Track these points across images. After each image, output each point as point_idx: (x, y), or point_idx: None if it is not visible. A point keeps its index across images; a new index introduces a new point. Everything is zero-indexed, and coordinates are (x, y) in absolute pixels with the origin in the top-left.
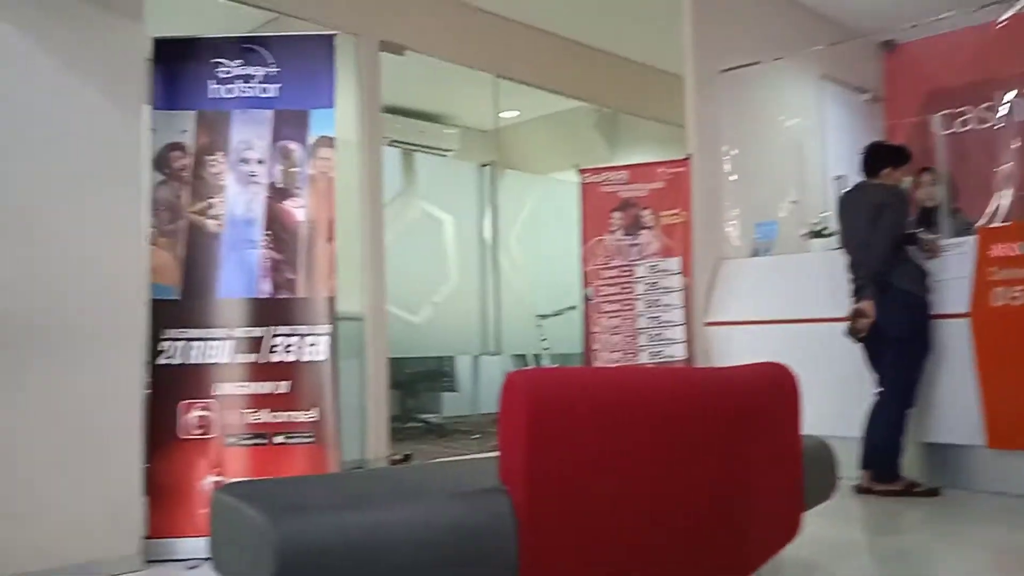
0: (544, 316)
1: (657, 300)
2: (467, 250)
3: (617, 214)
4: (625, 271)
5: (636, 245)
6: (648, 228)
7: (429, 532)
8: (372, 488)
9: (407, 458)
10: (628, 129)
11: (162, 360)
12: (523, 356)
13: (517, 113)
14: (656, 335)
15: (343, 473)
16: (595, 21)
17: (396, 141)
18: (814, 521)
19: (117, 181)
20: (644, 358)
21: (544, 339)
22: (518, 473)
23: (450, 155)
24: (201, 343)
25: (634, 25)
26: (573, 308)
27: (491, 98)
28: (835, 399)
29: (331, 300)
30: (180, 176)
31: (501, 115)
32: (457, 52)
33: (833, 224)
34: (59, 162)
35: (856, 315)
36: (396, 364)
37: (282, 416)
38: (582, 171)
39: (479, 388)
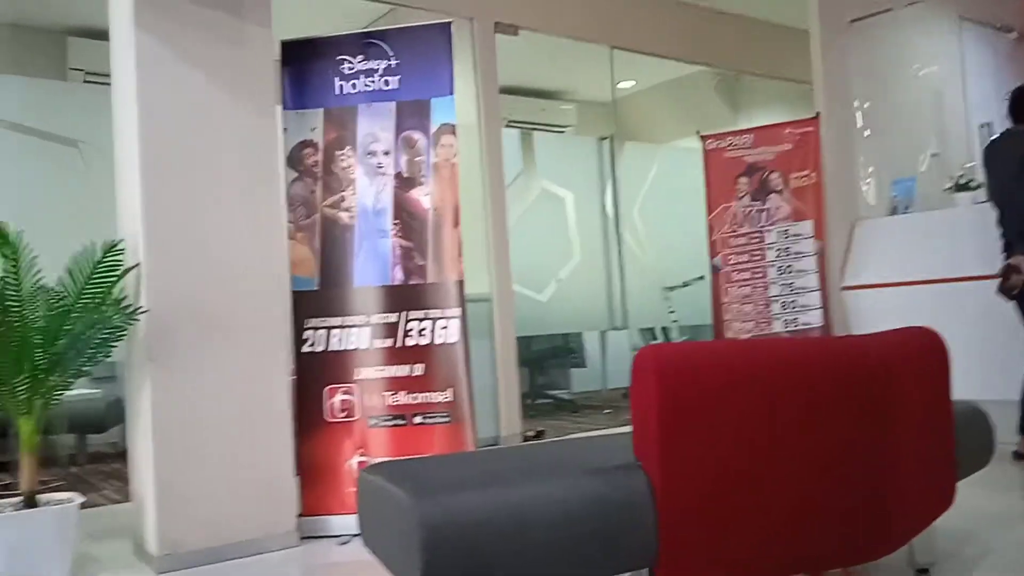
0: (671, 288)
1: (790, 266)
2: (590, 225)
3: (743, 179)
4: (754, 238)
5: (765, 210)
6: (777, 192)
7: (568, 509)
8: (510, 465)
9: (540, 434)
10: (751, 91)
11: (306, 348)
12: (651, 330)
13: (634, 83)
14: (790, 303)
15: (481, 451)
16: None
17: (513, 121)
18: (969, 490)
19: (259, 181)
20: (778, 327)
21: (672, 311)
22: (652, 449)
23: (568, 131)
24: (340, 331)
25: None
26: (701, 279)
27: (607, 70)
28: (988, 362)
29: (460, 283)
30: (312, 172)
31: (618, 86)
32: (571, 27)
33: (980, 175)
34: (209, 167)
35: (1008, 271)
36: (524, 342)
37: (419, 397)
38: (704, 137)
39: (607, 363)
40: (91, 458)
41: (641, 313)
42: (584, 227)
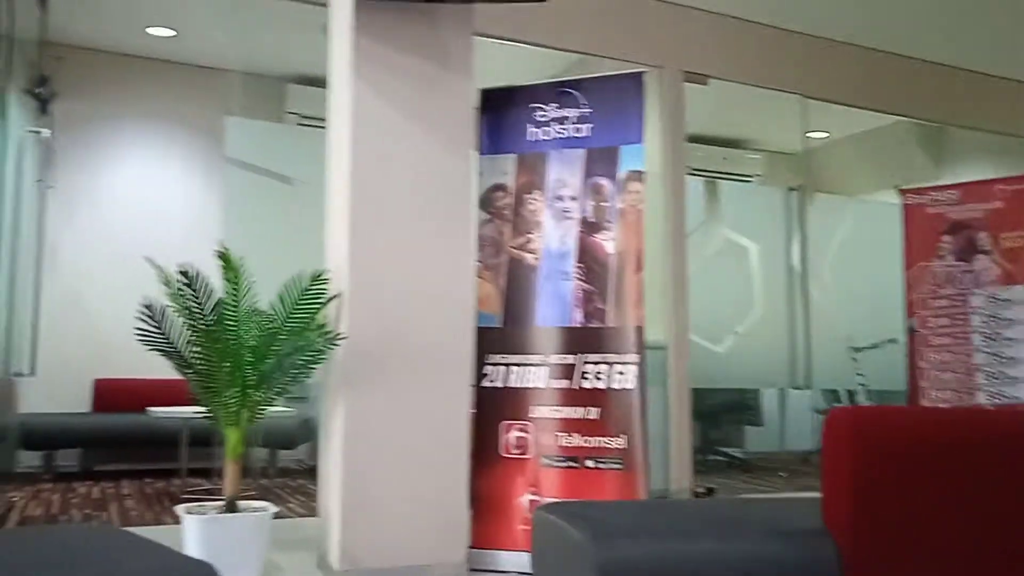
0: (859, 349)
1: (998, 334)
2: (774, 278)
3: (947, 237)
4: (957, 300)
5: (971, 272)
6: (985, 253)
7: (748, 570)
8: (688, 518)
9: (710, 492)
10: (956, 143)
11: (486, 383)
12: (835, 391)
13: (826, 134)
14: (997, 373)
15: (657, 501)
16: (913, 30)
17: (697, 170)
18: None
19: (454, 221)
20: (982, 399)
21: (860, 374)
22: (844, 517)
23: (755, 181)
24: (520, 368)
25: (962, 31)
26: (894, 341)
27: (798, 119)
28: None
29: (639, 330)
30: (502, 214)
31: (809, 136)
32: (762, 76)
33: None
34: (410, 207)
35: None
36: (698, 395)
37: (592, 441)
38: (904, 191)
39: (786, 423)
40: (280, 472)
41: (825, 373)
42: (768, 279)
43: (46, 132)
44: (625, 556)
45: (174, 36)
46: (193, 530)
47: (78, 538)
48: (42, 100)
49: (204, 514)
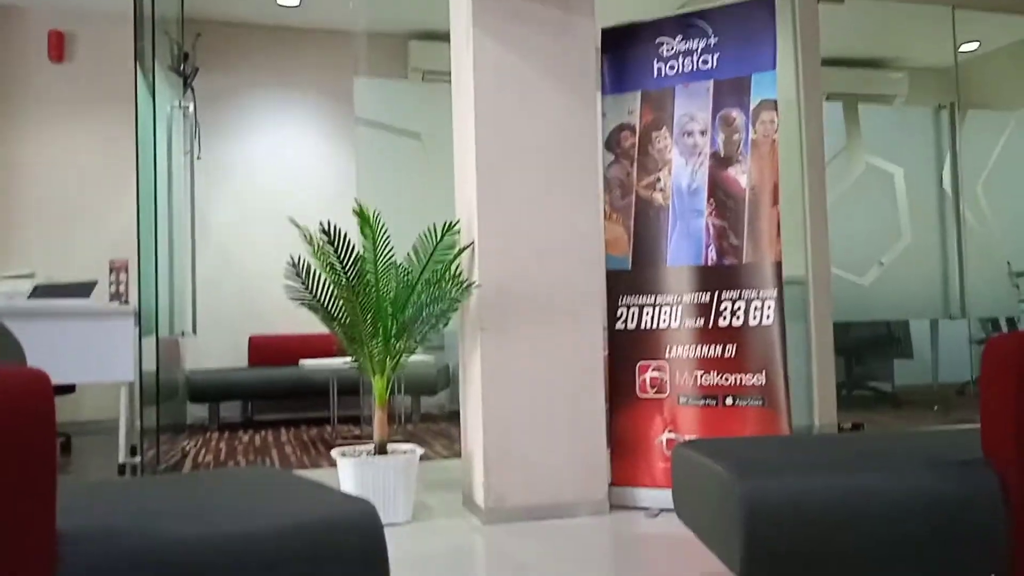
0: (1020, 274)
1: None
2: (922, 204)
3: None
4: None
5: None
6: None
7: (905, 502)
8: (836, 452)
9: (858, 427)
10: None
11: (619, 325)
12: (994, 320)
13: (977, 44)
14: None
15: (801, 436)
16: None
17: (834, 94)
18: None
19: (580, 164)
20: None
21: (1023, 300)
22: (1007, 445)
23: (898, 101)
24: (653, 309)
25: None
26: None
27: (945, 32)
28: None
29: (778, 265)
30: (629, 154)
31: (960, 49)
32: None
33: None
34: (536, 153)
35: None
36: (842, 329)
37: (731, 379)
38: None
39: (938, 355)
40: (423, 418)
41: (982, 301)
42: (916, 205)
43: (190, 106)
44: (772, 490)
45: (298, 5)
46: (348, 472)
47: (252, 478)
48: (185, 76)
49: (357, 456)
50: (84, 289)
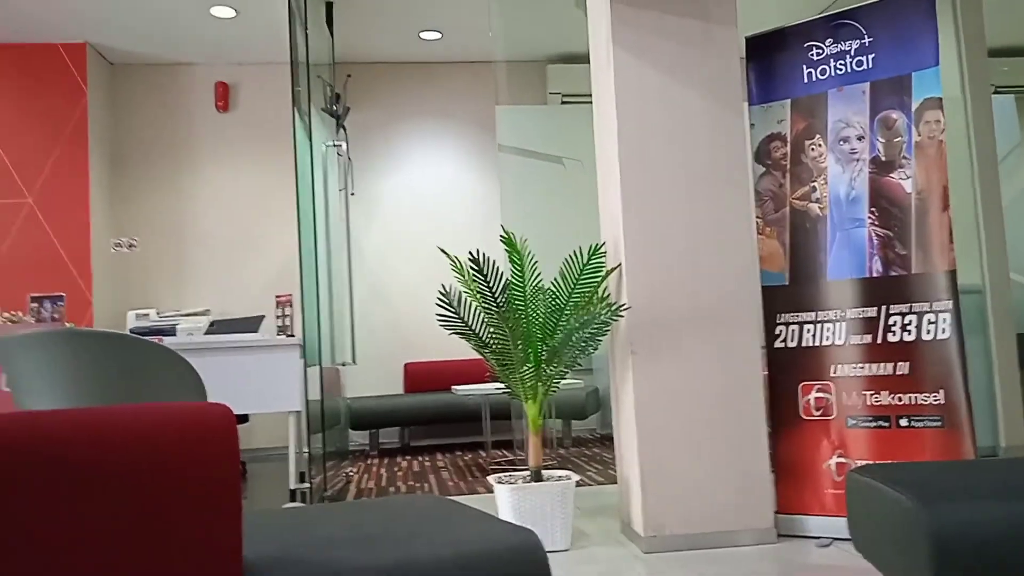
0: None
1: None
2: None
3: None
4: None
5: None
6: None
7: None
8: None
9: None
10: None
11: (778, 343)
12: None
13: None
14: None
15: (990, 460)
16: None
17: (1002, 87)
18: None
19: (728, 178)
20: None
21: None
22: None
23: None
24: (814, 325)
25: None
26: None
27: None
28: None
29: (951, 274)
30: (780, 165)
31: None
32: None
33: None
34: (681, 169)
35: None
36: None
37: (905, 399)
38: None
39: None
40: (574, 442)
41: None
42: None
43: (343, 144)
44: (963, 519)
45: (440, 38)
46: (505, 498)
47: (419, 506)
48: (337, 116)
49: (513, 483)
50: (253, 323)
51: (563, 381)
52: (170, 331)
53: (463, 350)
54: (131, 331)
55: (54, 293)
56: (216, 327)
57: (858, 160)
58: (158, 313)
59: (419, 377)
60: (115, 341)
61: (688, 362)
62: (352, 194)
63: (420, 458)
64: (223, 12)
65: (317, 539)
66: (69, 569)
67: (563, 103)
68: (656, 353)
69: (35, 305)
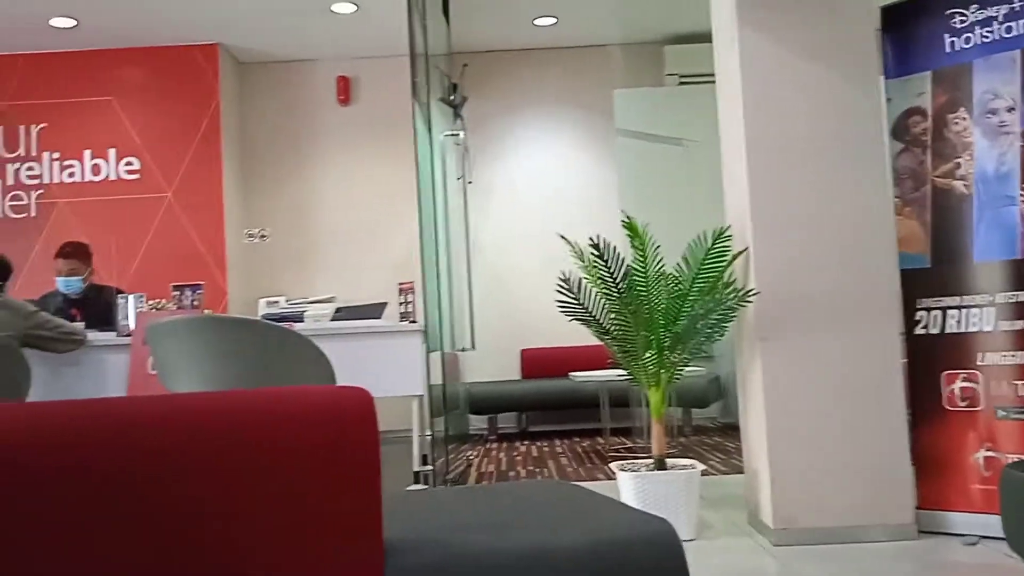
0: None
1: None
2: None
3: None
4: None
5: None
6: None
7: None
8: None
9: None
10: None
11: (918, 330)
12: None
13: None
14: None
15: None
16: None
17: None
18: None
19: (863, 156)
20: None
21: None
22: None
23: None
24: (959, 311)
25: None
26: None
27: None
28: None
29: None
30: (920, 141)
31: None
32: None
33: None
34: (812, 148)
35: None
36: None
37: None
38: None
39: None
40: (695, 430)
41: None
42: None
43: (461, 133)
44: None
45: (555, 23)
46: (628, 486)
47: (549, 492)
48: (454, 106)
49: (636, 471)
50: (376, 310)
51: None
52: (298, 318)
53: (579, 336)
54: (262, 318)
55: (193, 282)
56: (341, 314)
57: (1008, 133)
58: (287, 300)
59: (536, 363)
60: (252, 327)
61: (821, 349)
62: (470, 182)
63: (538, 443)
64: (343, 8)
65: (451, 523)
66: (215, 547)
67: (681, 84)
68: (786, 340)
69: (176, 293)
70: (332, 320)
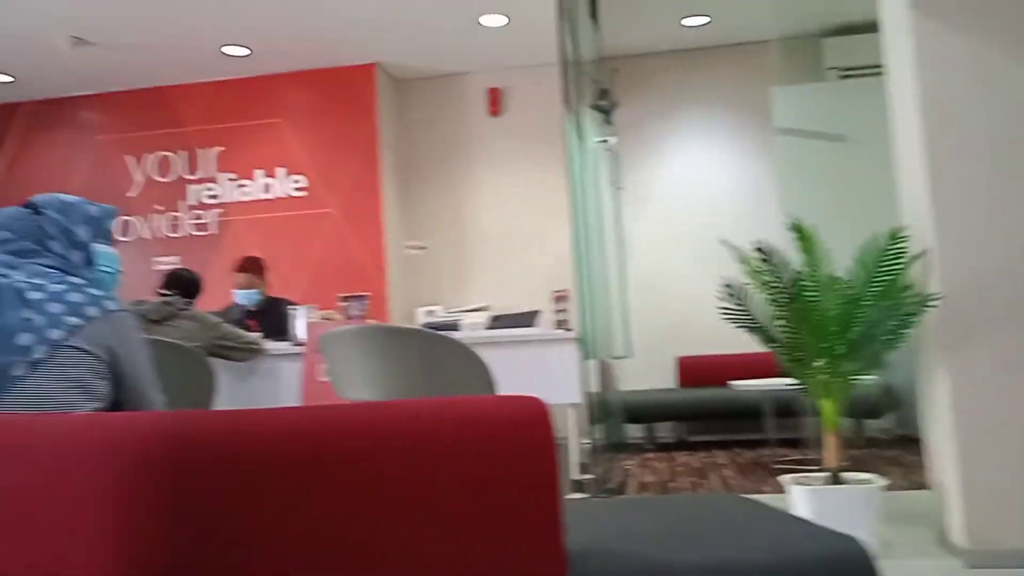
0: None
1: None
2: None
3: None
4: None
5: None
6: None
7: None
8: None
9: None
10: None
11: None
12: None
13: None
14: None
15: None
16: None
17: None
18: None
19: None
20: None
21: None
22: None
23: None
24: None
25: None
26: None
27: None
28: None
29: None
30: None
31: None
32: None
33: None
34: (1001, 141)
35: None
36: None
37: None
38: None
39: None
40: (867, 443)
41: None
42: None
43: (611, 139)
44: None
45: (708, 22)
46: (801, 500)
47: (720, 506)
48: (605, 112)
49: (811, 485)
50: (529, 318)
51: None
52: (454, 326)
53: (738, 344)
54: (422, 327)
55: (359, 293)
56: (496, 322)
57: None
58: (444, 309)
59: (693, 371)
60: (418, 336)
61: (1017, 356)
62: (621, 188)
63: (698, 454)
64: (493, 21)
65: (629, 533)
66: (396, 556)
67: (842, 78)
68: (976, 347)
69: (344, 304)
70: (487, 329)
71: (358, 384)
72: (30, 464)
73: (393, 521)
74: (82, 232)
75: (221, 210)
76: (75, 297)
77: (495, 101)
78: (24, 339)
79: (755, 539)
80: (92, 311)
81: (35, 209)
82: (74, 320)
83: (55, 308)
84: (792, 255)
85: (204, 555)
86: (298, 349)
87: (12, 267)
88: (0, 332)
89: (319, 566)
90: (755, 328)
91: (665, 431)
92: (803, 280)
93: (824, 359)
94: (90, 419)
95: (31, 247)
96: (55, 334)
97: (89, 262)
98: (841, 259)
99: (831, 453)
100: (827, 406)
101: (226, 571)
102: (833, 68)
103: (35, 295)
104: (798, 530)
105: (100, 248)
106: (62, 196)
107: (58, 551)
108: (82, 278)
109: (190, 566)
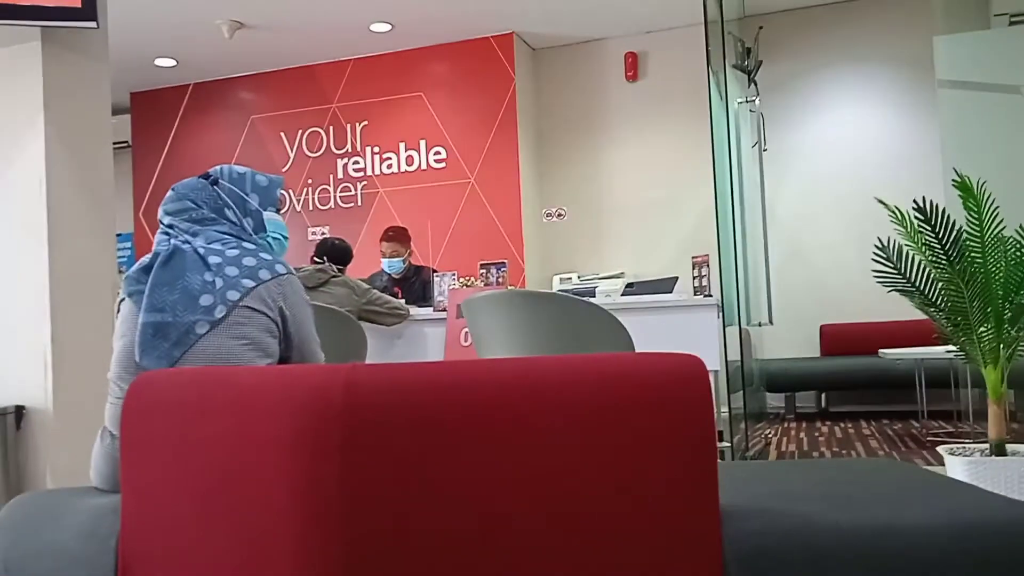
0: None
1: None
2: None
3: None
4: None
5: None
6: None
7: None
8: None
9: None
10: None
11: None
12: None
13: None
14: None
15: None
16: None
17: None
18: None
19: None
20: None
21: None
22: None
23: None
24: None
25: None
26: None
27: None
28: None
29: None
30: None
31: None
32: None
33: None
34: None
35: None
36: None
37: None
38: None
39: None
40: None
41: None
42: None
43: (755, 100)
44: None
45: None
46: (959, 472)
47: (882, 471)
48: (748, 72)
49: (969, 456)
50: (667, 284)
51: None
52: (591, 293)
53: (885, 311)
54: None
55: (498, 260)
56: (632, 288)
57: None
58: (579, 277)
59: (837, 339)
60: (558, 300)
61: None
62: (765, 150)
63: (841, 424)
64: None
65: (783, 493)
66: (559, 505)
67: (1012, 24)
68: None
69: (483, 271)
70: (623, 295)
71: (499, 347)
72: (226, 414)
73: (557, 472)
74: (253, 200)
75: (365, 182)
76: (249, 261)
77: (632, 66)
78: (206, 300)
79: (924, 502)
80: (264, 274)
81: (211, 180)
82: (249, 282)
83: (232, 271)
84: (956, 214)
85: (379, 499)
86: (441, 315)
87: (194, 234)
88: (185, 293)
89: (486, 515)
90: (911, 292)
91: (806, 401)
92: (968, 240)
93: (989, 324)
94: (275, 371)
95: (210, 215)
96: (233, 295)
97: (260, 228)
98: (1011, 219)
99: (995, 424)
100: (991, 374)
101: (398, 517)
102: (1002, 14)
103: (215, 259)
104: (968, 496)
105: (269, 216)
106: (234, 167)
107: (254, 495)
108: (254, 243)
109: (365, 510)
